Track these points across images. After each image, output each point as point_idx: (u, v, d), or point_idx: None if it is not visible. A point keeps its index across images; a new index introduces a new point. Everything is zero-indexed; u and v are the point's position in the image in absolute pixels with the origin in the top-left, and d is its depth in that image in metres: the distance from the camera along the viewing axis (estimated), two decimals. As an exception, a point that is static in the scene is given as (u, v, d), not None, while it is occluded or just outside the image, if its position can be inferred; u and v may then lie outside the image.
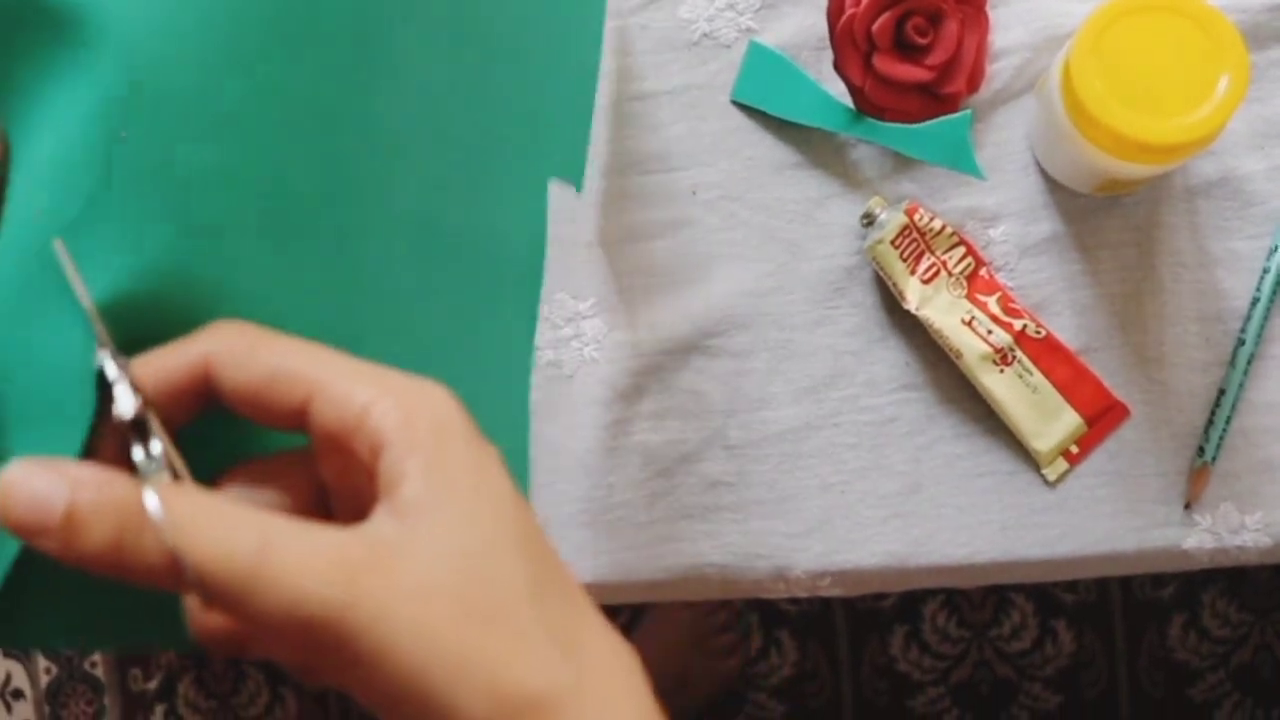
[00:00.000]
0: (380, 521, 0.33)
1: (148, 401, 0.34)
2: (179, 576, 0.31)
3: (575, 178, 0.58)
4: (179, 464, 0.34)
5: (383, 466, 0.33)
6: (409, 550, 0.32)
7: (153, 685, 1.66)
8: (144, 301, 0.36)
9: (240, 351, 0.35)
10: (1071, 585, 1.50)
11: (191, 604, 0.36)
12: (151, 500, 0.32)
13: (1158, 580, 1.49)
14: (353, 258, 0.43)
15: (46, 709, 1.69)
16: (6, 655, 1.69)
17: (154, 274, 0.36)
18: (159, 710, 1.66)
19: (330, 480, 0.36)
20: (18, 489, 0.32)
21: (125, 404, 0.34)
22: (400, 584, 0.32)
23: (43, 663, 1.69)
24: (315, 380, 0.34)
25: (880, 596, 1.52)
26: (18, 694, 1.70)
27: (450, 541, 0.33)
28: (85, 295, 0.34)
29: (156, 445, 0.34)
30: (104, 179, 0.35)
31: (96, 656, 1.67)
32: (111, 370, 0.34)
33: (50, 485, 0.32)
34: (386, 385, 0.34)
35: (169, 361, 0.35)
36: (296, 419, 0.35)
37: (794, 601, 1.53)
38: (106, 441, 0.35)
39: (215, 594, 0.32)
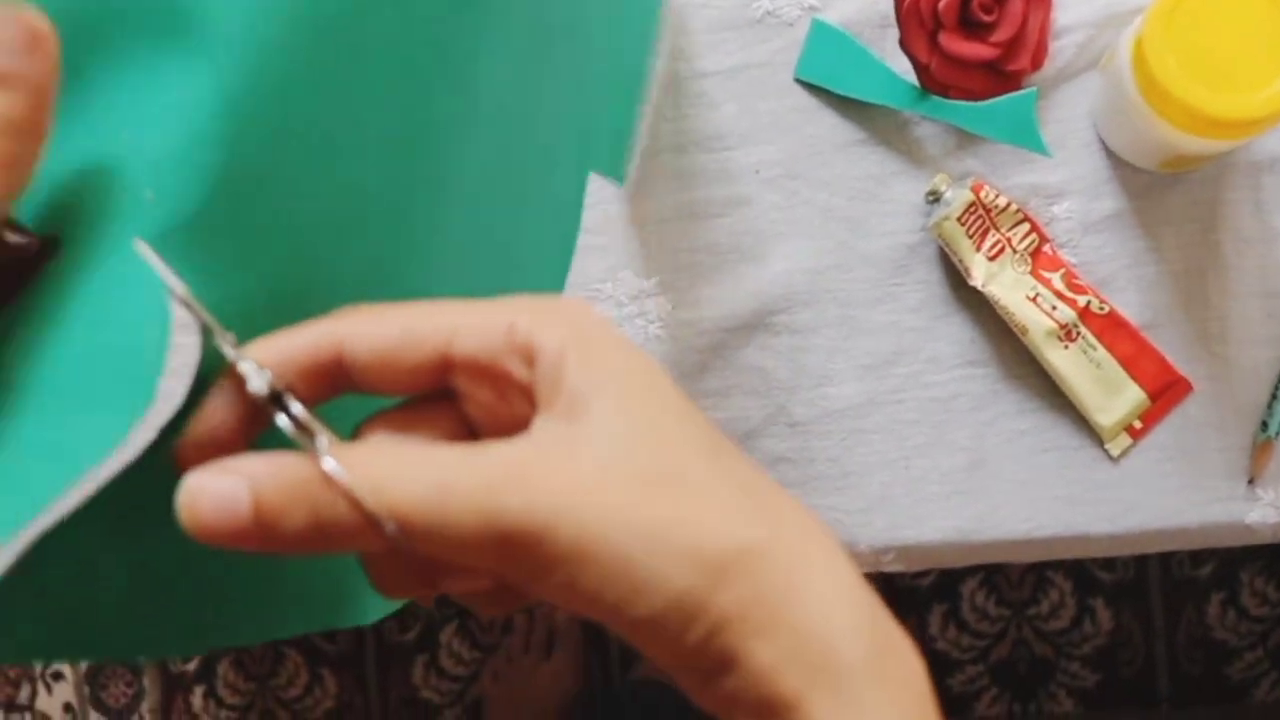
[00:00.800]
0: (544, 425, 0.34)
1: (269, 379, 0.34)
2: (378, 531, 0.32)
3: (617, 171, 0.58)
4: (320, 427, 0.34)
5: (539, 374, 0.34)
6: (580, 440, 0.33)
7: (191, 667, 1.67)
8: (250, 311, 0.36)
9: (368, 321, 0.35)
10: (1109, 564, 1.50)
11: (373, 559, 0.36)
12: (332, 465, 0.32)
13: (1196, 558, 1.49)
14: (417, 265, 0.43)
15: (86, 690, 1.70)
16: (46, 637, 1.71)
17: (262, 290, 0.36)
18: (198, 692, 1.67)
19: (480, 416, 0.36)
20: (201, 499, 0.32)
21: (257, 380, 0.33)
22: (579, 475, 0.32)
23: (82, 644, 1.70)
24: (449, 323, 0.35)
25: (919, 575, 1.53)
26: (58, 675, 1.71)
27: (618, 421, 0.33)
28: (180, 287, 0.33)
29: (296, 409, 0.33)
30: (218, 183, 0.34)
31: (136, 638, 1.68)
32: (230, 352, 0.34)
33: (230, 485, 0.32)
34: (522, 305, 0.35)
35: (292, 341, 0.35)
36: (434, 372, 0.35)
37: (833, 581, 1.54)
38: (222, 427, 0.34)
39: (414, 535, 0.32)
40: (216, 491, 0.32)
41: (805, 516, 0.35)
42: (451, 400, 0.36)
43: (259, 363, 0.34)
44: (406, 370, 0.35)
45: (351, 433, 0.36)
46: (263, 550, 0.32)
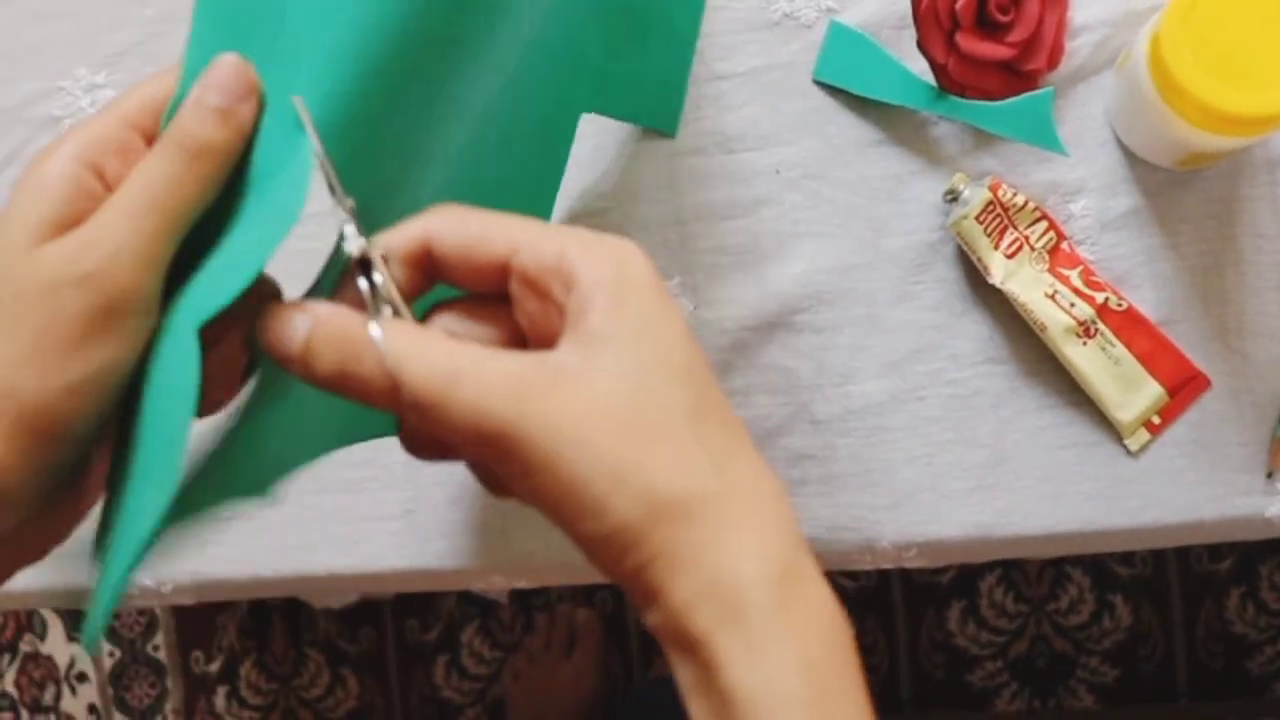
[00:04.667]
0: (563, 349, 0.38)
1: (381, 250, 0.40)
2: (395, 394, 0.38)
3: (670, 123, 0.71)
4: (398, 300, 0.40)
5: (572, 301, 0.38)
6: (584, 375, 0.37)
7: (215, 668, 1.68)
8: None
9: (454, 220, 0.41)
10: (1128, 559, 1.50)
11: (405, 420, 0.42)
12: (375, 331, 0.38)
13: (1214, 553, 1.49)
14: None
15: (110, 691, 1.71)
16: (70, 639, 1.72)
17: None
18: (221, 692, 1.68)
19: (527, 324, 0.41)
20: (273, 322, 0.39)
21: (353, 243, 0.40)
22: (571, 404, 0.37)
23: (106, 645, 1.71)
24: (517, 236, 0.40)
25: (938, 571, 1.53)
26: (82, 677, 1.72)
27: (621, 368, 0.38)
28: (320, 145, 0.40)
29: (378, 277, 0.40)
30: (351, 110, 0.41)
31: (159, 639, 1.69)
32: (344, 215, 0.40)
33: (297, 319, 0.39)
34: (580, 238, 0.40)
35: (400, 230, 0.41)
36: (499, 274, 0.40)
37: (852, 577, 1.54)
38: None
39: (418, 408, 0.37)
40: (285, 319, 0.39)
41: (760, 482, 0.39)
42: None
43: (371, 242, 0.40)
44: (478, 268, 0.40)
45: (426, 309, 0.42)
46: (304, 377, 0.39)
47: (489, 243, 0.40)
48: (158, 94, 0.42)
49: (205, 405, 0.42)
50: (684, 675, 0.38)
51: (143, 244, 0.39)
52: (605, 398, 0.37)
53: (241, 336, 0.43)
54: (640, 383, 0.38)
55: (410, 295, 0.41)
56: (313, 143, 0.40)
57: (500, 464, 0.38)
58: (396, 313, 0.40)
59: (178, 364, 0.38)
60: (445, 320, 0.42)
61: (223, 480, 0.43)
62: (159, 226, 0.40)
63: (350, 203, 0.40)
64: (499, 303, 0.41)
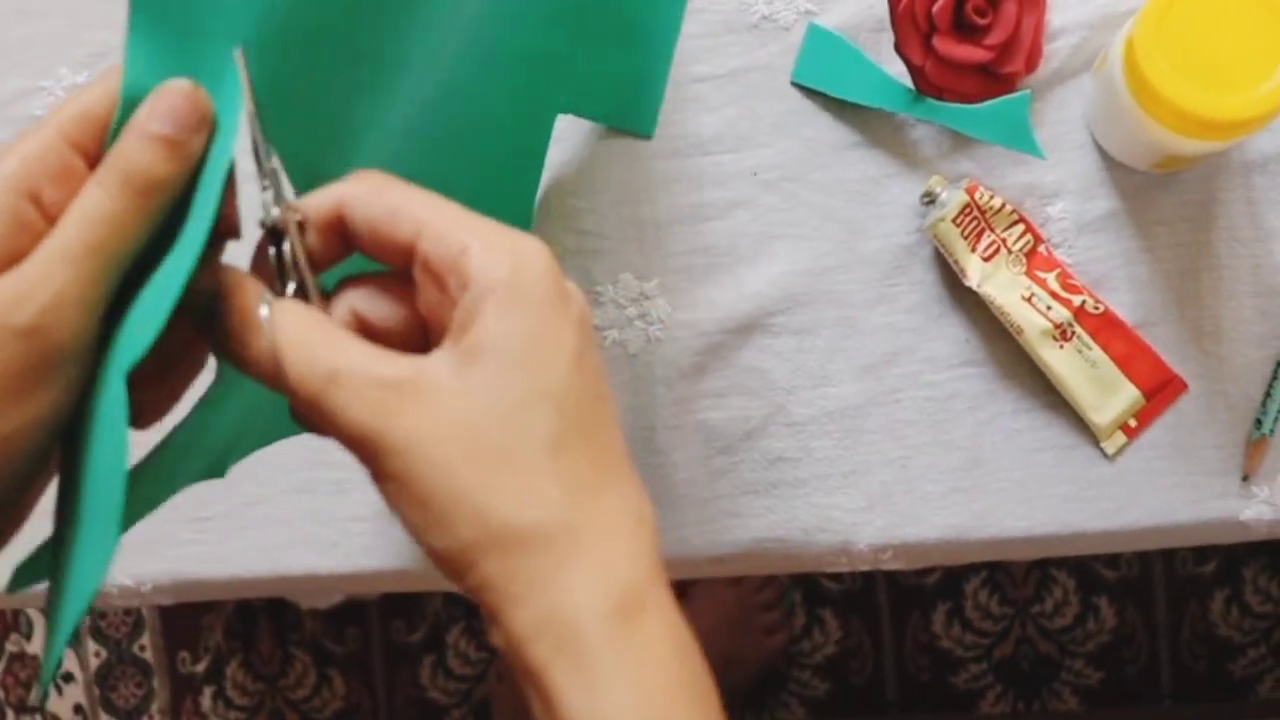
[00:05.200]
0: (440, 357, 0.39)
1: (299, 216, 0.39)
2: (278, 379, 0.38)
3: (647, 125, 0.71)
4: (307, 274, 0.40)
5: (461, 304, 0.38)
6: (453, 391, 0.38)
7: (201, 668, 1.68)
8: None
9: (368, 190, 0.40)
10: (1113, 561, 1.50)
11: None
12: (264, 311, 0.38)
13: (1200, 556, 1.49)
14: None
15: (96, 691, 1.71)
16: (56, 639, 1.72)
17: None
18: (207, 692, 1.68)
19: (425, 311, 0.41)
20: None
21: (268, 211, 0.39)
22: (431, 421, 0.37)
23: (92, 645, 1.71)
24: (426, 219, 0.39)
25: (923, 573, 1.53)
26: (68, 677, 1.72)
27: (490, 389, 0.38)
28: (251, 104, 0.39)
29: (285, 247, 0.39)
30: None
31: (145, 639, 1.69)
32: (268, 175, 0.40)
33: (207, 282, 0.39)
34: (485, 233, 0.39)
35: (315, 195, 0.40)
36: (408, 254, 0.39)
37: (837, 579, 1.54)
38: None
39: (295, 400, 0.38)
40: (199, 277, 0.38)
41: (624, 515, 0.40)
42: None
43: (284, 198, 0.40)
44: (386, 245, 0.40)
45: (336, 282, 0.42)
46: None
47: (397, 222, 0.39)
48: (97, 105, 0.39)
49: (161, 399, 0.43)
50: (531, 703, 0.39)
51: (83, 290, 0.37)
52: (466, 417, 0.37)
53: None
54: (506, 407, 0.38)
55: (324, 263, 0.40)
56: (245, 100, 0.39)
57: (367, 466, 0.39)
58: (303, 286, 0.39)
59: (110, 420, 0.37)
60: (353, 296, 0.41)
61: (181, 468, 0.43)
62: (99, 268, 0.38)
63: (273, 164, 0.39)
64: (409, 282, 0.41)
